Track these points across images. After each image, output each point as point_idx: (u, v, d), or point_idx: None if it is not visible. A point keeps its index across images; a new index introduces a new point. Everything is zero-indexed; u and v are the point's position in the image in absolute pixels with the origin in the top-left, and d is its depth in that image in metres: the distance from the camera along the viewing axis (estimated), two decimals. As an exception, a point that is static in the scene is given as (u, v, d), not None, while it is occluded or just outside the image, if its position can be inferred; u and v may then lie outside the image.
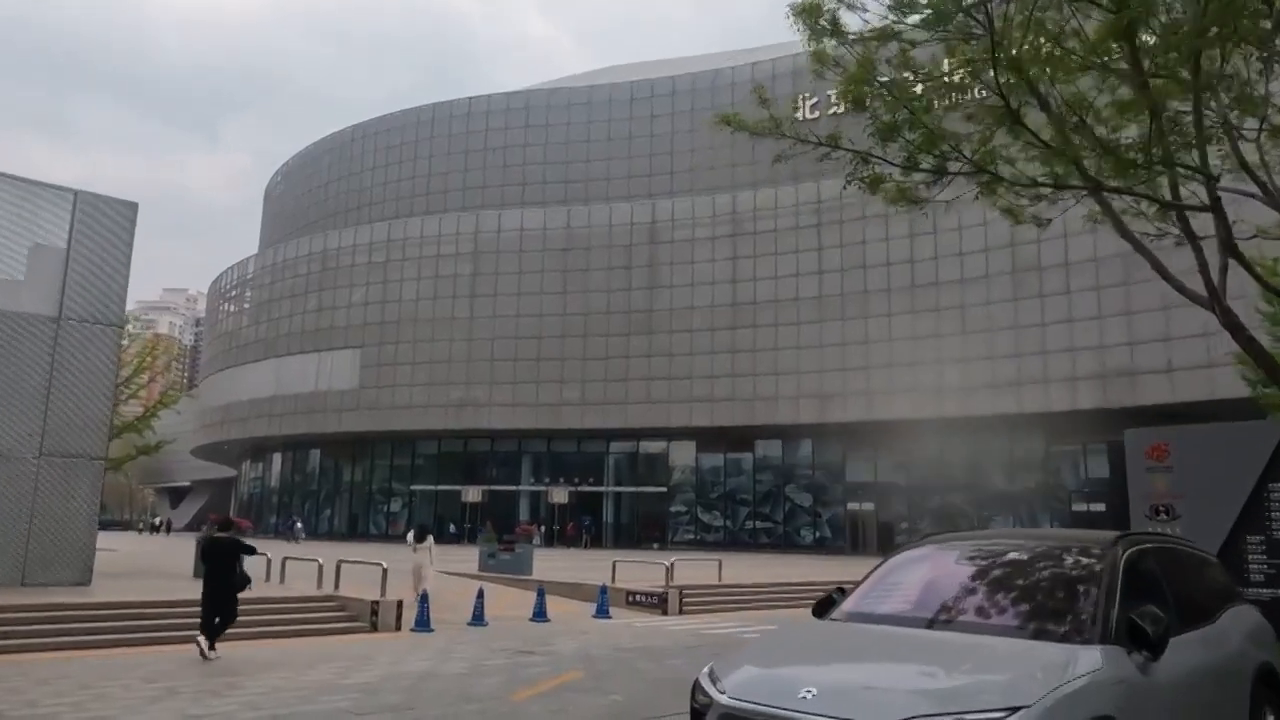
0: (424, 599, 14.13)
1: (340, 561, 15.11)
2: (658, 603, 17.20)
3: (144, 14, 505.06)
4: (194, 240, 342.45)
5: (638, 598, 17.56)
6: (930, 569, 5.19)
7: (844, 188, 8.94)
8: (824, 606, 5.19)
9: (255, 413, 58.45)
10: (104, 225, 15.37)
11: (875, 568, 5.43)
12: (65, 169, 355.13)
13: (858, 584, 5.27)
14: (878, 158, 8.47)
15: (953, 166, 8.39)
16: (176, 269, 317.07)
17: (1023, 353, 40.66)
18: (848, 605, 5.05)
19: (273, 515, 64.62)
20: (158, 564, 22.52)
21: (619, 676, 9.86)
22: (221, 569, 10.68)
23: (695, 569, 21.65)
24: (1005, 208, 11.16)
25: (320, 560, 15.11)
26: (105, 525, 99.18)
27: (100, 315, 15.24)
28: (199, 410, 68.23)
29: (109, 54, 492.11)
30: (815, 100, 52.99)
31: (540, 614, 15.46)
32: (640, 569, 20.77)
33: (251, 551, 11.40)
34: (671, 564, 18.24)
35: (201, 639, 10.29)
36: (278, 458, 65.08)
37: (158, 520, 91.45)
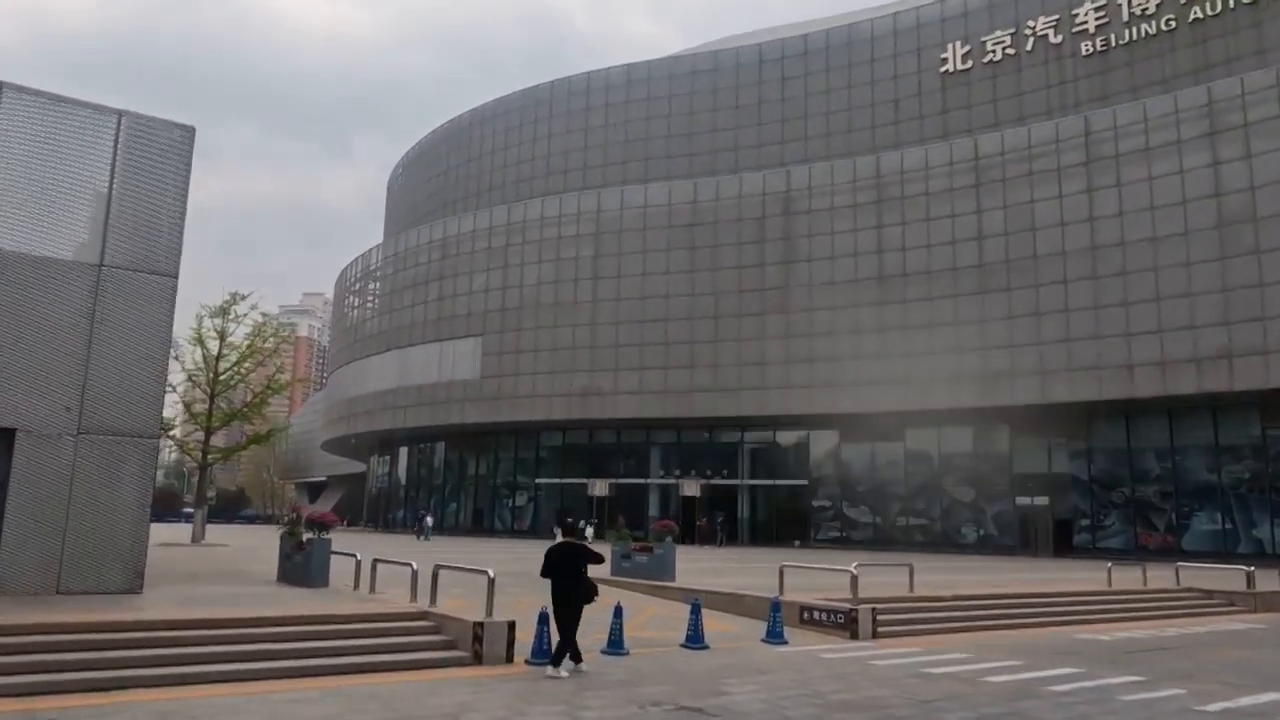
0: (543, 619, 10.69)
1: (438, 566, 11.76)
2: (844, 622, 13.15)
3: (273, 41, 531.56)
4: (332, 249, 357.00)
5: (815, 614, 13.60)
6: None
7: None
8: None
9: (380, 405, 57.32)
10: (155, 153, 12.56)
11: None
12: (214, 187, 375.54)
13: None
14: None
15: None
16: (318, 278, 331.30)
17: (1233, 320, 34.48)
18: None
19: (400, 509, 63.71)
20: (248, 563, 19.98)
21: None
22: (569, 579, 9.70)
23: (875, 575, 17.55)
24: None
25: (414, 564, 11.82)
26: (249, 519, 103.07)
27: (150, 263, 12.45)
28: (327, 404, 67.98)
29: (246, 80, 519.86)
30: (968, 49, 47.68)
31: (695, 638, 11.76)
32: (807, 575, 16.86)
33: (599, 560, 10.36)
34: (856, 570, 14.20)
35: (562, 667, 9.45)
36: (404, 451, 64.18)
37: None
